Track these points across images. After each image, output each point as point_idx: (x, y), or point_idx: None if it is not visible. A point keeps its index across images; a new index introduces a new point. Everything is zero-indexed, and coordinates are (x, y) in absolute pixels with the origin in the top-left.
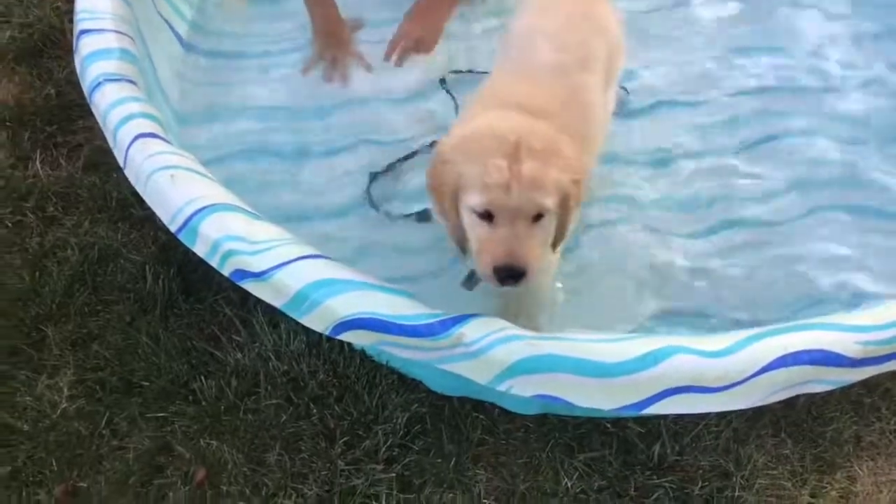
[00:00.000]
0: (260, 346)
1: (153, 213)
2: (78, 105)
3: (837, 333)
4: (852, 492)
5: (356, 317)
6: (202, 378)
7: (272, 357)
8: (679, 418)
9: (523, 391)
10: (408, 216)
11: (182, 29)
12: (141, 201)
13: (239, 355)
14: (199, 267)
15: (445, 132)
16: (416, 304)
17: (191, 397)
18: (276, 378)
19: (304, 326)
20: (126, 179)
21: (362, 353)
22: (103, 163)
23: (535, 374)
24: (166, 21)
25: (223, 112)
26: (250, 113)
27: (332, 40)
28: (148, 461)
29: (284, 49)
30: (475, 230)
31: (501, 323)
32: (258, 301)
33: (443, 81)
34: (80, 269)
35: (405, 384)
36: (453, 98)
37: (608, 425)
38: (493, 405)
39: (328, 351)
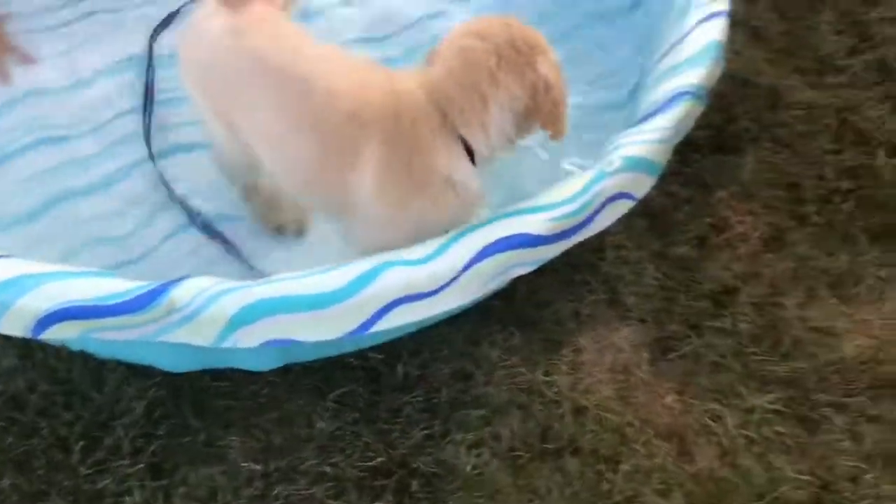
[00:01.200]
0: None
1: None
2: None
3: (529, 216)
4: (579, 362)
5: (55, 309)
6: None
7: None
8: (415, 336)
9: (249, 342)
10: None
11: None
12: None
13: None
14: None
15: None
16: (119, 281)
17: None
18: None
19: (12, 341)
20: None
21: (83, 354)
22: None
23: (255, 323)
24: None
25: None
26: None
27: None
28: None
29: None
30: None
31: (210, 280)
32: None
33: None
34: None
35: (136, 373)
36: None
37: (351, 360)
38: (232, 370)
39: (44, 360)
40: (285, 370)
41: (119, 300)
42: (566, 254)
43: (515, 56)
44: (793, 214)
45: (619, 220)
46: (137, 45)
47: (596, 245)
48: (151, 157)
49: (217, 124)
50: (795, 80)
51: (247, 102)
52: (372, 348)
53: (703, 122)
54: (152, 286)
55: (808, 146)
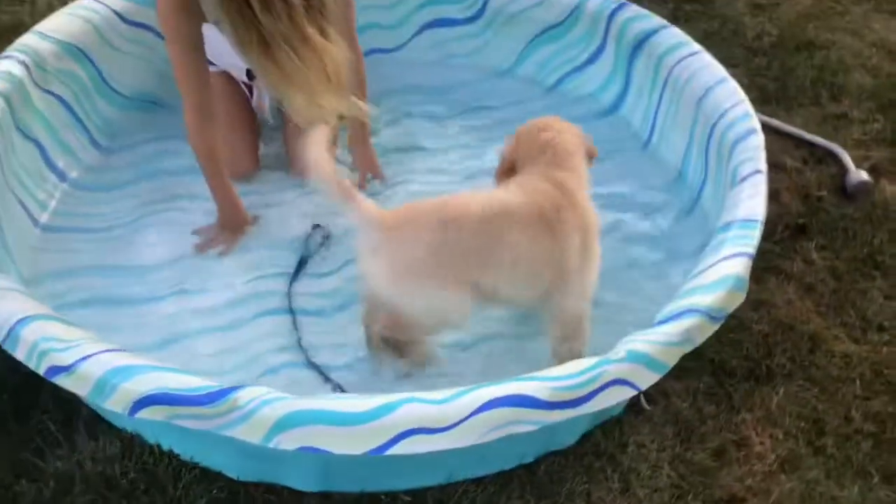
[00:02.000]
0: (79, 454)
1: None
2: None
3: (534, 382)
4: None
5: (148, 394)
6: (23, 482)
7: (89, 462)
8: (444, 487)
9: (288, 445)
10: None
11: (35, 210)
12: None
13: (59, 463)
14: (27, 394)
15: None
16: (200, 379)
17: (11, 498)
18: (91, 479)
19: (118, 433)
20: None
21: (170, 452)
22: None
23: (294, 429)
24: (18, 198)
25: (69, 272)
26: (90, 271)
27: (231, 226)
28: None
29: (126, 222)
30: None
31: (266, 389)
32: (80, 417)
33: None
34: None
35: (207, 475)
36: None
37: (383, 497)
38: (282, 486)
39: (140, 454)
40: (326, 496)
41: (195, 393)
42: (592, 441)
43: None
44: (812, 444)
45: (647, 423)
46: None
47: (620, 440)
48: (291, 310)
49: (447, 291)
50: (839, 332)
51: (496, 261)
52: (404, 491)
53: (741, 353)
54: (222, 386)
55: (840, 389)
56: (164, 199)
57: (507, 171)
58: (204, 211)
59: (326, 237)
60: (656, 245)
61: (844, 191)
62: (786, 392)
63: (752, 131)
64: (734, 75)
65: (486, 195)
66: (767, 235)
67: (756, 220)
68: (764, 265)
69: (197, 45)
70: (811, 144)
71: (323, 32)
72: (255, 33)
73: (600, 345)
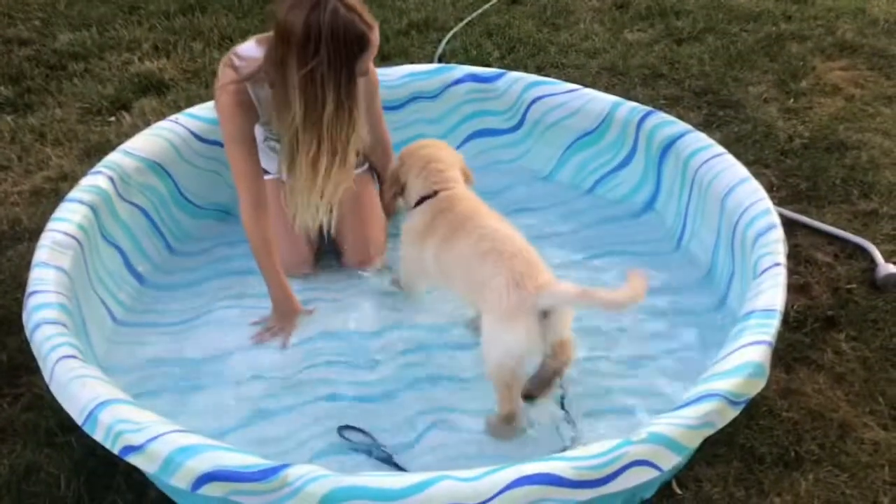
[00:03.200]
0: None
1: (71, 439)
2: (25, 366)
3: (559, 462)
4: None
5: (209, 471)
6: None
7: None
8: None
9: None
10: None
11: (114, 308)
12: (63, 429)
13: None
14: (102, 477)
15: None
16: (253, 457)
17: None
18: None
19: None
20: (54, 413)
21: None
22: (37, 404)
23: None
24: (100, 298)
25: (141, 364)
26: (162, 362)
27: (284, 315)
28: None
29: (193, 316)
30: None
31: (314, 467)
32: (148, 499)
33: None
34: (8, 481)
35: None
36: None
37: None
38: None
39: None
40: None
41: (250, 470)
42: None
43: None
44: None
45: None
46: None
47: None
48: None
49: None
50: (868, 420)
51: None
52: None
53: (771, 440)
54: (274, 464)
55: (869, 476)
56: (230, 297)
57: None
58: (266, 306)
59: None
60: (685, 337)
61: (874, 284)
62: (815, 478)
63: (771, 226)
64: (765, 176)
65: None
66: (798, 327)
67: (775, 310)
68: (795, 355)
69: (253, 142)
70: (842, 240)
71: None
72: (316, 137)
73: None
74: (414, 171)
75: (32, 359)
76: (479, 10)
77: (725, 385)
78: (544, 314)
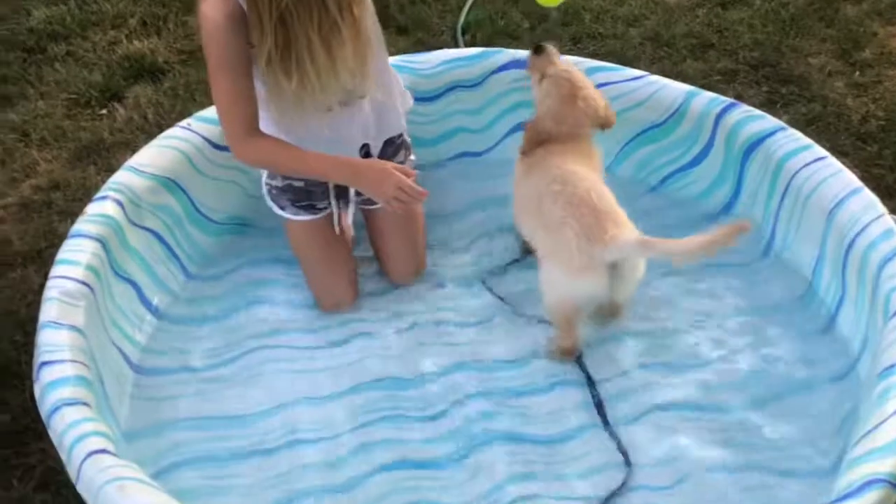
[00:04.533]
0: None
1: None
2: (32, 429)
3: None
4: None
5: None
6: None
7: None
8: None
9: None
10: None
11: (131, 352)
12: None
13: None
14: None
15: None
16: None
17: None
18: None
19: None
20: (74, 497)
21: None
22: (54, 481)
23: None
24: (117, 346)
25: (168, 425)
26: (193, 423)
27: (383, 175)
28: None
29: (224, 361)
30: None
31: None
32: None
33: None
34: None
35: None
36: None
37: None
38: None
39: None
40: None
41: None
42: None
43: None
44: None
45: None
46: None
47: None
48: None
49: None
50: None
51: None
52: None
53: None
54: None
55: None
56: (260, 335)
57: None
58: (305, 346)
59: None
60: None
61: None
62: None
63: None
64: (845, 166)
65: None
66: None
67: None
68: None
69: (247, 66)
70: None
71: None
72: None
73: None
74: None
75: (40, 420)
76: None
77: (885, 467)
78: (613, 265)
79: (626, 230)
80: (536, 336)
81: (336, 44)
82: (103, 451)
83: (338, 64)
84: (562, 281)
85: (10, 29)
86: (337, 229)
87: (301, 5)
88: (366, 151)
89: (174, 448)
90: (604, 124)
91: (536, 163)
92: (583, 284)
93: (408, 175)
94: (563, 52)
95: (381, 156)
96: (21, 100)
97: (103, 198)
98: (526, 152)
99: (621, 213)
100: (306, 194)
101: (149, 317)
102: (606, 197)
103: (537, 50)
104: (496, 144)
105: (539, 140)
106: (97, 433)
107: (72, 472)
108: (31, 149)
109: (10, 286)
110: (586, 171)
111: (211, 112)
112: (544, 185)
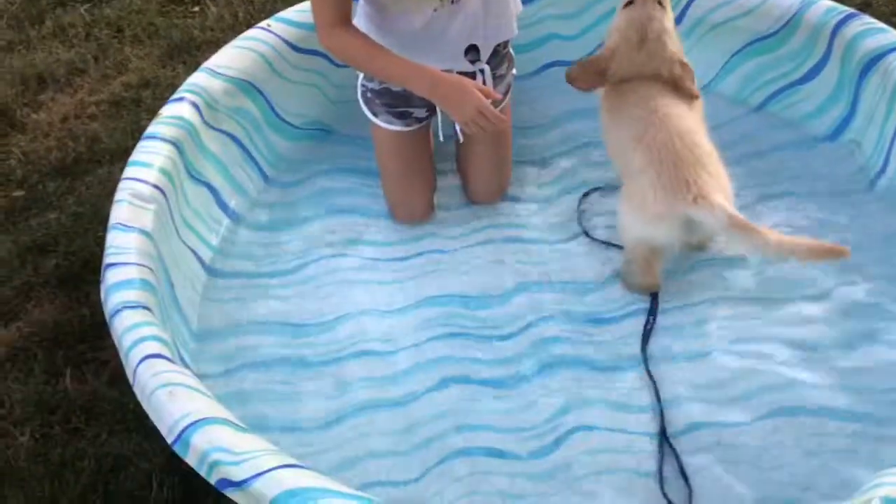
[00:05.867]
0: None
1: None
2: (108, 325)
3: None
4: None
5: None
6: None
7: None
8: None
9: None
10: None
11: (205, 254)
12: None
13: None
14: (199, 476)
15: None
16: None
17: None
18: None
19: None
20: None
21: None
22: (124, 378)
23: None
24: (191, 248)
25: (238, 328)
26: (263, 327)
27: (463, 89)
28: None
29: (296, 267)
30: None
31: None
32: None
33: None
34: (95, 478)
35: None
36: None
37: None
38: None
39: None
40: None
41: None
42: None
43: None
44: None
45: None
46: None
47: None
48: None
49: None
50: None
51: None
52: None
53: None
54: None
55: None
56: (337, 243)
57: None
58: (379, 258)
59: None
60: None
61: None
62: None
63: None
64: None
65: None
66: None
67: None
68: None
69: None
70: None
71: None
72: None
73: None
74: None
75: None
76: None
77: None
78: (691, 224)
79: (718, 196)
80: (617, 261)
81: None
82: (158, 355)
83: None
84: (636, 224)
85: None
86: (441, 136)
87: None
88: (473, 57)
89: (241, 351)
90: (678, 84)
91: (623, 96)
92: (657, 231)
93: (487, 97)
94: None
95: (487, 64)
96: None
97: (179, 99)
98: (581, 86)
99: (715, 169)
100: (404, 100)
101: (225, 220)
102: (699, 147)
103: None
104: (590, 54)
105: (600, 74)
106: (154, 338)
107: (129, 373)
108: (123, 45)
109: (98, 182)
110: (680, 113)
111: (292, 13)
112: (625, 127)
